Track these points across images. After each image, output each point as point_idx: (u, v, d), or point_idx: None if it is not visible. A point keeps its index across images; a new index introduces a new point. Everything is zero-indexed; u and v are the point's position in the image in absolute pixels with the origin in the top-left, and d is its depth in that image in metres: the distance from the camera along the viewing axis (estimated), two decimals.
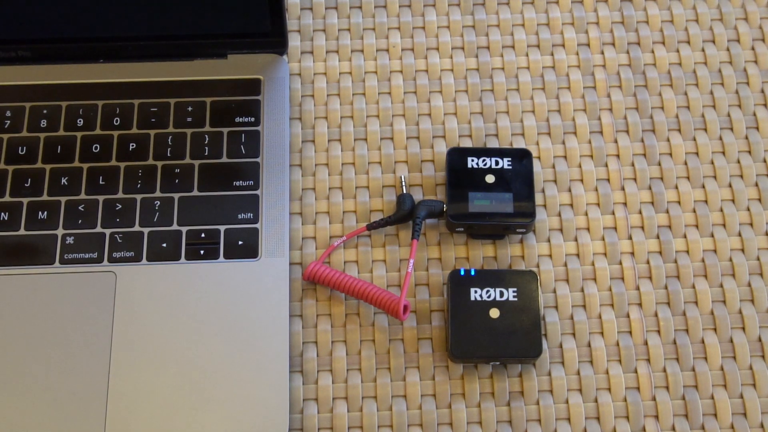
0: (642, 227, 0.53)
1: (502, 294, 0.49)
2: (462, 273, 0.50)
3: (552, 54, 0.58)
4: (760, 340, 0.51)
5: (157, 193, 0.52)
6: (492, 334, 0.48)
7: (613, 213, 0.54)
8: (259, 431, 0.47)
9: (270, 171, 0.53)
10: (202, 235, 0.51)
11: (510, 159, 0.53)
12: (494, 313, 0.49)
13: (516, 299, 0.49)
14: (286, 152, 0.53)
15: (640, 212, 0.54)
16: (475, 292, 0.49)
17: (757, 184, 0.54)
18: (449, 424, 0.49)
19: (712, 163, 0.55)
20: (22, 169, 0.52)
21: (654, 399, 0.49)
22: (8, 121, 0.54)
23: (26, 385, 0.47)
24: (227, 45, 0.55)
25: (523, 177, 0.52)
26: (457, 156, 0.53)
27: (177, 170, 0.52)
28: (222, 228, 0.51)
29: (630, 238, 0.53)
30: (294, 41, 0.58)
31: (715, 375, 0.50)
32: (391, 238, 0.53)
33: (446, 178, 0.53)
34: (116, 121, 0.54)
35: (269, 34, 0.54)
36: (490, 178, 0.52)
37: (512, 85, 0.57)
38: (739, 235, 0.53)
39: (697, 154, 0.55)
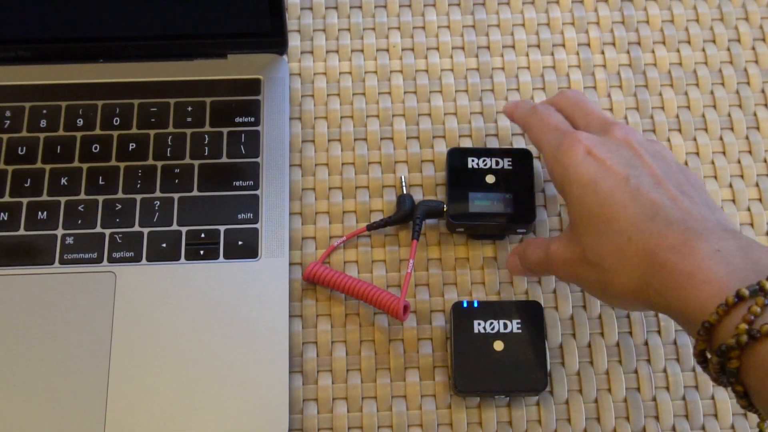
0: None
1: (506, 326, 0.48)
2: (465, 305, 0.49)
3: (552, 54, 0.58)
4: None
5: (157, 193, 0.52)
6: (496, 368, 0.47)
7: None
8: (259, 431, 0.47)
9: (270, 171, 0.53)
10: (202, 235, 0.51)
11: (510, 159, 0.53)
12: (498, 345, 0.48)
13: (520, 330, 0.48)
14: (286, 152, 0.53)
15: None
16: (479, 324, 0.48)
17: (757, 184, 0.54)
18: (449, 424, 0.49)
19: (713, 163, 0.55)
20: (21, 169, 0.52)
21: (654, 399, 0.49)
22: (8, 121, 0.54)
23: (26, 385, 0.47)
24: (227, 45, 0.55)
25: (524, 177, 0.52)
26: (457, 156, 0.53)
27: (177, 170, 0.52)
28: (222, 228, 0.51)
29: None
30: (294, 41, 0.58)
31: None
32: (391, 238, 0.53)
33: (446, 178, 0.53)
34: (116, 121, 0.54)
35: (269, 34, 0.54)
36: (490, 179, 0.52)
37: (512, 85, 0.57)
38: None
39: (697, 154, 0.55)
